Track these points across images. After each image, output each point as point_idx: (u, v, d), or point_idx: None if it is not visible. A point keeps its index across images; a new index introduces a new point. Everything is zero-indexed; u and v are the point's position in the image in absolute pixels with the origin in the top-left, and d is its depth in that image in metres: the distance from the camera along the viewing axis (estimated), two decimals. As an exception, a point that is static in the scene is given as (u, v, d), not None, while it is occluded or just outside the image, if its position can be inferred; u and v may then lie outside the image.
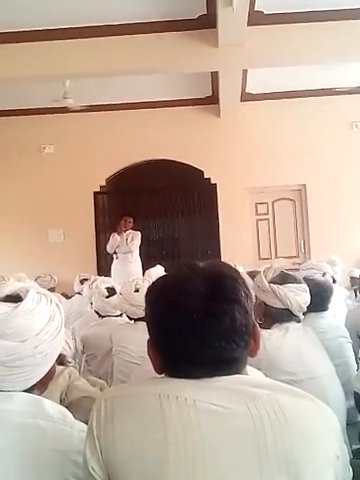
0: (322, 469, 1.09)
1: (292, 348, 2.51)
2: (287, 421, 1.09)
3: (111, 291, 4.11)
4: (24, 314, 1.29)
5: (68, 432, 1.29)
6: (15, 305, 1.30)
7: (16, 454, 1.21)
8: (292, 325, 2.62)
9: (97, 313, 4.24)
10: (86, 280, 5.93)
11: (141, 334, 3.29)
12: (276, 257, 9.43)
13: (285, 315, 2.63)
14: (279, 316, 2.61)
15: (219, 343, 1.14)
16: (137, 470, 1.07)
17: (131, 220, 8.54)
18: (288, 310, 2.61)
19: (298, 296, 2.67)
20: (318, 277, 4.26)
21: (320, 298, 3.69)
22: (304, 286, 2.78)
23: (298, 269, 5.94)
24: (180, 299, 1.16)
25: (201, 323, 1.14)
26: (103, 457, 1.11)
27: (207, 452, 1.06)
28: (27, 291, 1.34)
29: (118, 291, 3.91)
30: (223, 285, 1.18)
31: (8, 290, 1.35)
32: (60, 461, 1.24)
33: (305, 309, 2.74)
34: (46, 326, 1.32)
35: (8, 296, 1.34)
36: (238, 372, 1.18)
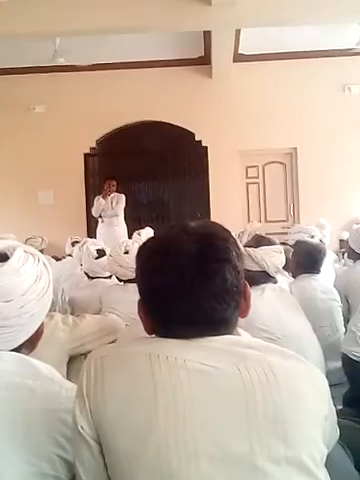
0: (311, 429, 1.11)
1: (268, 307, 2.57)
2: (277, 381, 1.10)
3: (101, 252, 4.10)
4: (10, 274, 1.27)
5: (56, 391, 1.29)
6: (0, 264, 1.28)
7: (5, 413, 1.21)
8: (268, 286, 2.68)
9: (87, 275, 4.23)
10: (77, 242, 5.93)
11: (131, 295, 3.29)
12: (266, 221, 9.43)
13: (262, 277, 2.69)
14: (256, 278, 2.65)
15: (210, 303, 1.14)
16: (126, 429, 1.08)
17: (115, 183, 8.49)
18: (265, 272, 2.66)
19: (273, 258, 2.74)
20: (311, 240, 4.30)
21: (313, 260, 3.74)
22: (279, 247, 2.86)
23: (287, 233, 5.97)
24: (170, 259, 1.15)
25: (191, 283, 1.13)
26: (92, 416, 1.12)
27: (196, 411, 1.07)
28: (14, 250, 1.32)
29: (108, 253, 3.90)
30: (214, 245, 1.17)
31: None
32: (48, 420, 1.24)
33: (280, 270, 2.79)
34: (32, 286, 1.30)
35: None
36: (229, 332, 1.18)
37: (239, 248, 1.22)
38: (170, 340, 1.16)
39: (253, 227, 4.47)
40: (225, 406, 1.08)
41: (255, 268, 2.65)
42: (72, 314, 3.89)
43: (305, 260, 3.78)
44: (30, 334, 1.34)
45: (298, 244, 4.04)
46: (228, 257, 1.16)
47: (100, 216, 8.45)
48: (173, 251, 1.16)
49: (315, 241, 4.36)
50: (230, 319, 1.19)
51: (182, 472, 1.03)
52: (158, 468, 1.04)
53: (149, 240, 1.27)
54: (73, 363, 2.28)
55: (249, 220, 9.36)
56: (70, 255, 5.91)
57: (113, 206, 8.40)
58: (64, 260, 6.06)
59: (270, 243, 2.78)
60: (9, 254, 1.31)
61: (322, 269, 3.85)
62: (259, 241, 2.77)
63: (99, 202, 8.43)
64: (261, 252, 2.66)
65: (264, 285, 2.66)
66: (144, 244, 1.26)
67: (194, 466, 1.04)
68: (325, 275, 4.08)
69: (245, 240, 2.76)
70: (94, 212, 8.52)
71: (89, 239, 5.65)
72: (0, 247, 1.34)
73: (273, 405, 1.08)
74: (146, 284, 1.22)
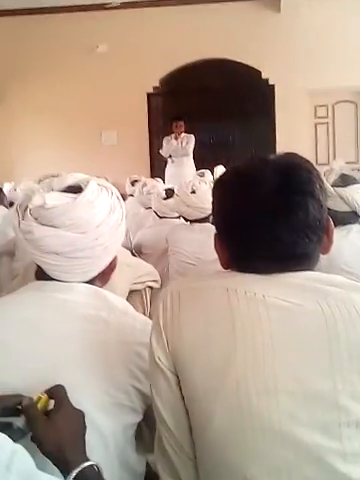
0: None
1: (353, 248, 2.47)
2: None
3: (170, 193, 4.09)
4: (84, 205, 1.25)
5: (131, 324, 1.29)
6: (75, 196, 1.26)
7: (82, 343, 1.22)
8: (355, 227, 2.56)
9: (156, 214, 4.26)
10: (137, 181, 5.93)
11: (197, 235, 3.35)
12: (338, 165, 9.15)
13: (351, 218, 2.57)
14: (345, 219, 2.54)
15: (291, 238, 1.09)
16: (204, 362, 1.07)
17: (182, 124, 8.51)
18: (353, 212, 2.55)
19: None
20: None
21: None
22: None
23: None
24: (251, 191, 1.10)
25: (273, 217, 1.08)
26: (169, 348, 1.10)
27: (276, 348, 1.04)
28: (87, 182, 1.30)
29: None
30: (297, 176, 1.10)
31: (70, 181, 1.32)
32: (124, 352, 1.24)
33: None
34: (106, 218, 1.28)
35: (69, 187, 1.31)
36: (310, 269, 1.13)
37: (322, 181, 1.15)
38: (248, 275, 1.12)
39: (339, 165, 4.29)
40: (306, 343, 1.04)
41: (344, 208, 2.54)
42: (140, 253, 3.96)
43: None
44: (103, 267, 1.33)
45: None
46: (312, 190, 1.10)
47: (170, 156, 8.50)
48: (253, 183, 1.10)
49: None
50: (312, 255, 1.14)
51: (262, 408, 1.02)
52: (237, 403, 1.03)
53: (227, 172, 1.22)
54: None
55: (317, 162, 9.12)
56: (131, 195, 5.91)
57: (183, 146, 8.39)
58: (126, 201, 6.07)
59: (356, 182, 2.66)
60: (83, 186, 1.29)
61: None
62: (346, 180, 2.64)
63: (171, 143, 8.48)
64: (351, 191, 2.54)
65: (351, 226, 2.55)
66: (222, 176, 1.21)
67: (274, 402, 1.01)
68: None
69: (333, 179, 2.63)
70: (164, 152, 8.57)
71: (149, 179, 5.65)
72: (74, 180, 1.33)
73: (357, 343, 1.03)
74: (224, 217, 1.17)
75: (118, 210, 1.33)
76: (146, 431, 1.31)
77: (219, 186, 1.20)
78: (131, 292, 2.39)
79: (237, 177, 1.17)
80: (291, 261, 1.11)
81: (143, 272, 2.47)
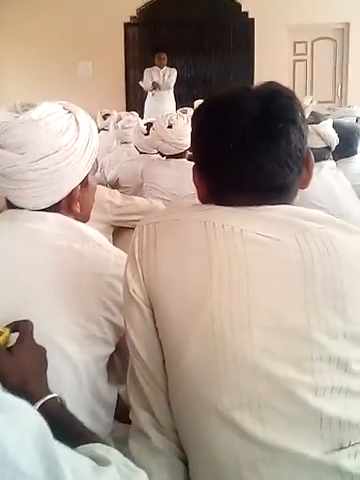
0: None
1: (324, 185, 2.48)
2: (338, 255, 1.04)
3: (150, 127, 3.98)
4: (26, 124, 1.19)
5: (105, 256, 1.27)
6: (17, 115, 1.20)
7: (54, 274, 1.20)
8: (327, 163, 2.56)
9: (136, 149, 4.19)
10: (108, 115, 5.78)
11: (173, 171, 3.30)
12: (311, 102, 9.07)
13: (324, 154, 2.57)
14: (319, 156, 2.53)
15: (272, 167, 1.06)
16: (178, 295, 1.06)
17: (165, 56, 8.34)
18: (327, 148, 2.54)
19: (334, 133, 2.62)
20: (344, 121, 4.11)
21: (347, 142, 3.60)
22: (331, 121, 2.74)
23: (329, 115, 5.75)
24: (231, 117, 1.06)
25: (253, 144, 1.05)
26: (145, 280, 1.09)
27: (252, 282, 1.03)
28: (41, 104, 1.23)
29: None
30: (279, 103, 1.07)
31: (31, 106, 1.24)
32: (97, 284, 1.23)
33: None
34: (53, 140, 1.20)
35: (25, 110, 1.23)
36: (288, 202, 1.12)
37: (303, 111, 1.12)
38: (227, 208, 1.09)
39: (309, 101, 4.25)
40: (282, 278, 1.04)
41: (319, 145, 2.52)
42: (117, 188, 3.92)
43: (339, 144, 3.67)
44: (60, 194, 1.26)
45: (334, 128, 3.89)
46: (293, 117, 1.07)
47: (153, 88, 8.31)
48: (234, 109, 1.07)
49: (346, 122, 4.14)
50: (291, 187, 1.11)
51: (235, 341, 1.01)
52: (211, 337, 1.02)
53: (207, 99, 1.17)
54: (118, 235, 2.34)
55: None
56: (103, 129, 5.75)
57: (165, 79, 8.21)
58: (99, 135, 5.91)
59: (324, 118, 2.65)
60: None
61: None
62: (318, 117, 2.63)
63: (152, 76, 8.29)
64: (324, 127, 2.53)
65: (323, 162, 2.54)
66: (202, 103, 1.16)
67: (248, 336, 1.01)
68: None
69: (306, 116, 2.61)
70: (144, 85, 8.36)
71: (123, 113, 5.51)
72: (33, 106, 1.24)
73: (332, 279, 1.03)
74: (203, 145, 1.13)
75: (72, 132, 1.23)
76: (118, 363, 1.32)
77: (199, 113, 1.16)
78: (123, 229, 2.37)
79: (218, 103, 1.13)
80: (270, 193, 1.09)
81: (132, 209, 2.45)
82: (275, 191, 1.09)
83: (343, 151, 3.58)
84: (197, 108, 1.17)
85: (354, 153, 3.65)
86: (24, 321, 1.08)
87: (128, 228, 2.40)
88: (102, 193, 2.32)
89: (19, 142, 1.18)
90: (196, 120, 1.16)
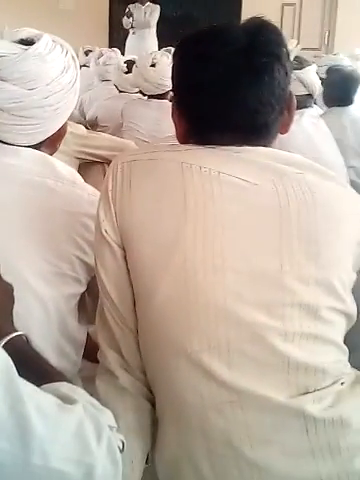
0: (343, 253, 1.06)
1: (304, 133, 2.45)
2: (314, 202, 1.03)
3: (131, 65, 3.87)
4: (35, 58, 1.14)
5: (78, 194, 1.24)
6: (26, 47, 1.16)
7: (23, 210, 1.18)
8: (308, 111, 2.52)
9: (116, 87, 4.10)
10: (91, 51, 5.63)
11: (154, 112, 3.24)
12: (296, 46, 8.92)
13: (305, 101, 2.52)
14: (300, 103, 2.48)
15: (254, 104, 1.03)
16: (152, 236, 1.04)
17: None
18: (309, 95, 2.50)
19: (318, 80, 2.57)
20: (345, 66, 3.98)
21: (344, 89, 3.47)
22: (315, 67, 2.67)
23: (314, 62, 5.66)
24: (214, 47, 1.02)
25: (237, 79, 1.01)
26: (118, 221, 1.07)
27: (227, 225, 1.02)
28: (41, 36, 1.19)
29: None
30: (265, 37, 1.03)
31: (23, 34, 1.21)
32: (69, 222, 1.21)
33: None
34: (59, 77, 1.18)
35: (22, 40, 1.20)
36: (268, 145, 1.09)
37: (287, 48, 1.08)
38: (205, 149, 1.07)
39: (293, 45, 4.16)
40: (257, 222, 1.03)
41: (301, 91, 2.47)
42: (96, 126, 3.83)
43: (337, 92, 3.52)
44: (51, 131, 1.25)
45: (331, 72, 3.73)
46: (279, 53, 1.04)
47: (131, 27, 8.02)
48: (219, 39, 1.03)
49: (347, 68, 4.02)
50: (271, 127, 1.08)
51: (207, 284, 1.01)
52: (183, 279, 1.02)
53: (192, 32, 1.12)
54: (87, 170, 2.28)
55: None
56: (85, 65, 5.62)
57: (146, 17, 7.90)
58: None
59: (308, 63, 2.59)
60: (36, 40, 1.18)
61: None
62: (302, 62, 2.56)
63: (131, 12, 7.99)
64: (307, 73, 2.47)
65: (303, 110, 2.49)
66: (185, 35, 1.11)
67: (220, 279, 1.01)
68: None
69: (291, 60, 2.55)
70: (124, 21, 8.07)
71: (105, 50, 5.37)
72: (27, 34, 1.21)
73: (307, 225, 1.03)
74: (184, 78, 1.09)
75: (72, 70, 1.23)
76: (89, 302, 1.31)
77: (182, 44, 1.11)
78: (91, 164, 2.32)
79: (202, 34, 1.09)
80: (251, 133, 1.06)
81: (97, 142, 2.35)
82: (256, 131, 1.07)
83: (337, 99, 3.40)
84: (181, 39, 1.12)
85: (349, 102, 3.45)
86: None
87: (96, 163, 2.33)
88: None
89: (28, 77, 1.14)
90: (178, 50, 1.11)
